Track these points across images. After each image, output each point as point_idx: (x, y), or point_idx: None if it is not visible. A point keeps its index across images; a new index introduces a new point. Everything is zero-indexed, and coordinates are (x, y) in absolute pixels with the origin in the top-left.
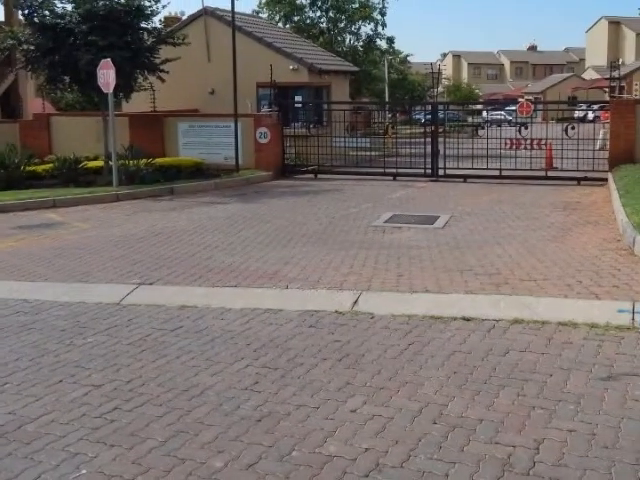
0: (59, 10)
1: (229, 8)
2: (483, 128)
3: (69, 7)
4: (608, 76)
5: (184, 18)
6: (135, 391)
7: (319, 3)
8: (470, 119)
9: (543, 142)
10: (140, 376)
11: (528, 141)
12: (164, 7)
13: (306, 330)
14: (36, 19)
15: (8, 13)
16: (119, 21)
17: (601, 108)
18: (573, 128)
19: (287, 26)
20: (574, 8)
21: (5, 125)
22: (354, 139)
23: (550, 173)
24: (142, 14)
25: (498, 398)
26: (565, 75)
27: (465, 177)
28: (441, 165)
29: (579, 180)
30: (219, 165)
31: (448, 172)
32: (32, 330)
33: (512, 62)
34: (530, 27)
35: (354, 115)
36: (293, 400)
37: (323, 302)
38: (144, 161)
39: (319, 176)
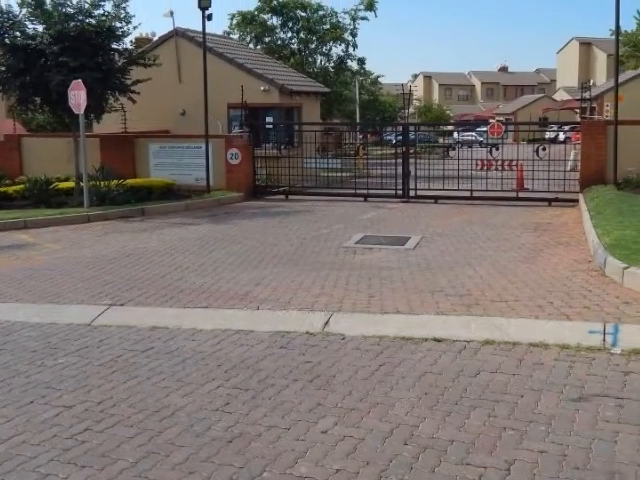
0: (30, 31)
1: (200, 29)
2: (454, 149)
3: (40, 28)
4: (579, 97)
5: (155, 39)
6: (106, 412)
7: (290, 24)
8: (441, 140)
9: (514, 163)
10: (111, 397)
11: (499, 162)
12: (135, 28)
13: (277, 351)
14: (7, 40)
15: None
16: (90, 42)
17: (572, 129)
18: (544, 149)
19: (258, 47)
20: (545, 29)
21: None
22: (325, 160)
23: (521, 194)
24: (113, 35)
25: (469, 419)
26: (536, 96)
27: (436, 198)
28: (412, 186)
29: (550, 201)
30: (190, 186)
31: (419, 193)
32: (3, 351)
33: (483, 83)
34: (501, 48)
35: (325, 136)
36: (264, 421)
37: (294, 323)
38: (115, 182)
39: (290, 197)
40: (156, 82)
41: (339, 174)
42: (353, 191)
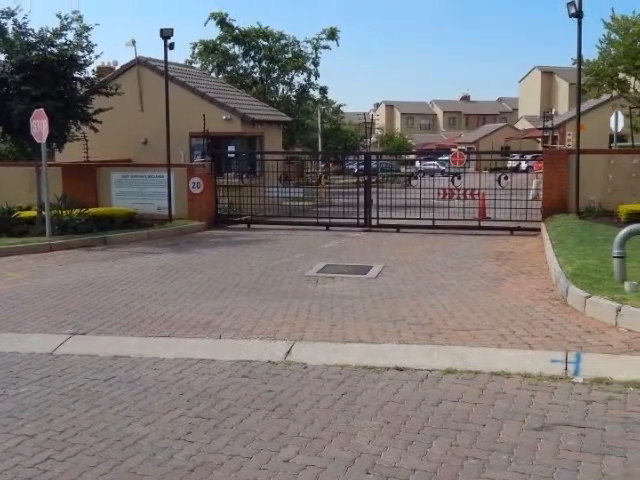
0: None
1: (162, 58)
2: (416, 178)
3: (2, 57)
4: (541, 126)
5: (117, 68)
6: (68, 441)
7: (252, 53)
8: (403, 169)
9: (476, 192)
10: (73, 426)
11: (461, 191)
12: (97, 57)
13: (239, 380)
14: None
15: None
16: (52, 71)
17: (534, 158)
18: (506, 178)
19: (220, 76)
20: (507, 58)
21: None
22: (287, 189)
23: (483, 223)
24: (75, 64)
25: (431, 448)
26: (498, 125)
27: (398, 227)
28: (374, 215)
29: (512, 230)
30: (152, 215)
31: (381, 222)
32: None
33: (445, 112)
34: (463, 77)
35: (287, 165)
36: (226, 450)
37: (256, 352)
38: (77, 211)
39: (252, 226)
40: (118, 111)
41: (301, 203)
42: (315, 220)
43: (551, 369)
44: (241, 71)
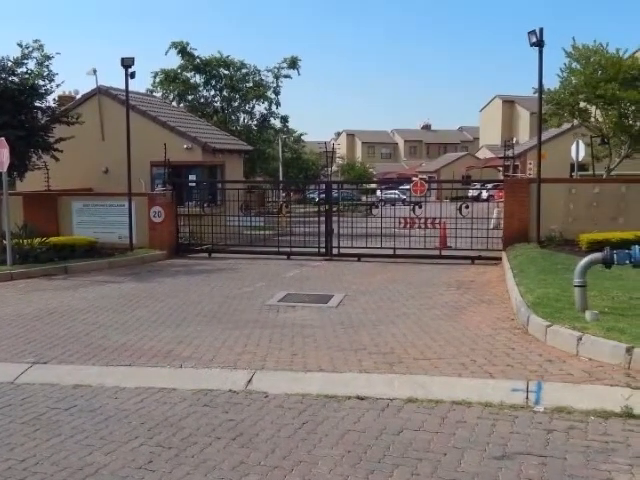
0: None
1: (123, 87)
2: (377, 207)
3: None
4: (502, 155)
5: (78, 97)
6: (29, 470)
7: (213, 82)
8: (364, 198)
9: (437, 221)
10: (34, 455)
11: (422, 220)
12: (58, 86)
13: (200, 409)
14: None
15: None
16: (13, 100)
17: (495, 187)
18: (467, 207)
19: (181, 105)
20: (468, 87)
21: None
22: (248, 218)
23: (444, 252)
24: (36, 93)
25: (392, 477)
26: (459, 154)
27: (359, 256)
28: (335, 244)
29: (473, 259)
30: (114, 244)
31: (342, 251)
32: None
33: (406, 141)
34: (424, 106)
35: (248, 194)
36: (187, 479)
37: (217, 381)
38: (38, 240)
39: (213, 255)
40: (79, 140)
41: (262, 232)
42: (276, 249)
43: (512, 398)
44: (202, 100)
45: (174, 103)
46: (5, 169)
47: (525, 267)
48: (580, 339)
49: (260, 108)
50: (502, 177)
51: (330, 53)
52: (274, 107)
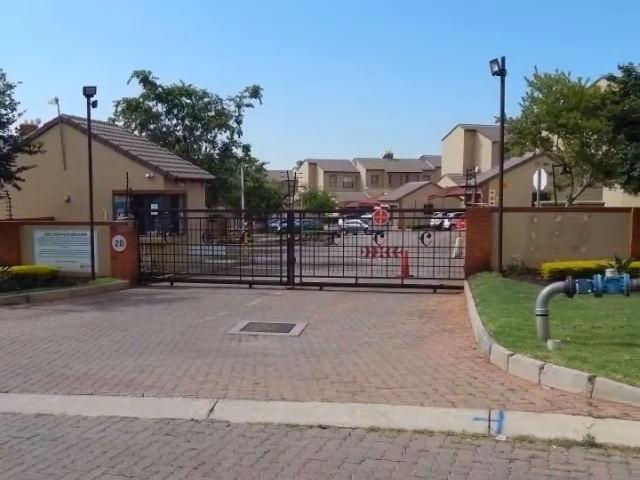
0: None
1: (85, 116)
2: (339, 236)
3: None
4: (464, 184)
5: (40, 126)
6: None
7: (175, 111)
8: (326, 227)
9: (399, 250)
10: None
11: (384, 249)
12: (20, 115)
13: (162, 438)
14: None
15: None
16: None
17: (457, 216)
18: (429, 236)
19: (143, 134)
20: (430, 116)
21: None
22: (210, 247)
23: (406, 281)
24: None
25: None
26: (421, 183)
27: (321, 285)
28: (297, 273)
29: (435, 288)
30: (76, 273)
31: (304, 280)
32: None
33: (368, 170)
34: (386, 135)
35: (210, 223)
36: None
37: (179, 410)
38: (0, 269)
39: (175, 284)
40: (41, 169)
41: (224, 261)
42: (238, 278)
43: (474, 427)
44: (164, 129)
45: (136, 132)
46: None
47: (487, 296)
48: (542, 368)
49: (222, 137)
50: (464, 206)
51: (292, 82)
52: (236, 136)
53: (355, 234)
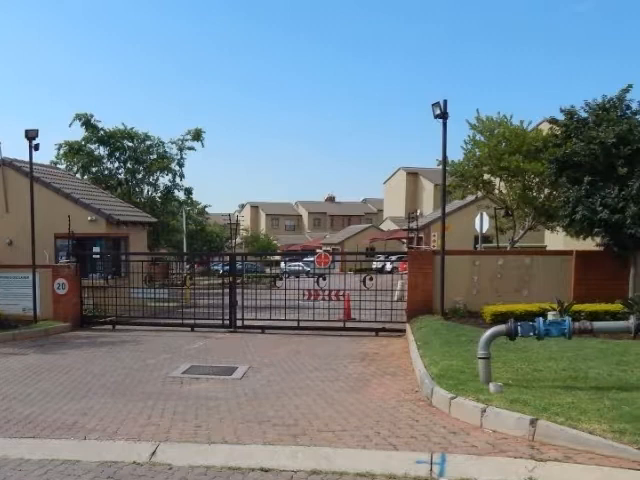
0: None
1: (27, 159)
2: (281, 279)
3: None
4: (406, 227)
5: None
6: None
7: (117, 154)
8: (268, 270)
9: (341, 293)
10: None
11: (326, 292)
12: None
13: None
14: None
15: None
16: None
17: (399, 259)
18: (371, 279)
19: (85, 177)
20: (372, 159)
21: None
22: (152, 290)
23: (348, 324)
24: None
25: None
26: (363, 226)
27: (263, 328)
28: (239, 316)
29: (377, 331)
30: (18, 316)
31: (246, 323)
32: None
33: (310, 213)
34: (328, 178)
35: (152, 266)
36: None
37: (121, 453)
38: None
39: (117, 327)
40: None
41: (166, 304)
42: (180, 321)
43: (416, 470)
44: (106, 172)
45: (78, 175)
46: None
47: (429, 339)
48: (484, 411)
49: (164, 180)
50: (406, 249)
51: (234, 126)
52: (178, 179)
53: (297, 277)
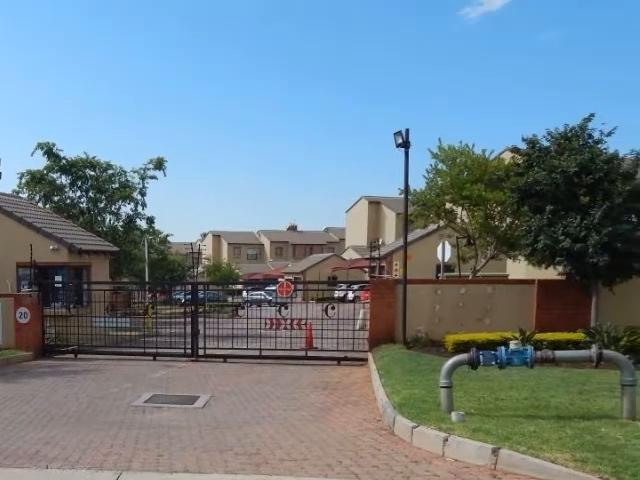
0: None
1: None
2: (243, 308)
3: None
4: (368, 256)
5: None
6: None
7: (79, 183)
8: (230, 299)
9: (303, 322)
10: None
11: (288, 321)
12: None
13: None
14: None
15: None
16: None
17: (361, 288)
18: (333, 308)
19: (47, 206)
20: (334, 188)
21: None
22: (114, 319)
23: (310, 353)
24: None
25: None
26: (325, 255)
27: (225, 357)
28: (201, 345)
29: (339, 360)
30: None
31: (208, 352)
32: None
33: (272, 242)
34: (290, 207)
35: (114, 295)
36: None
37: None
38: None
39: (80, 356)
40: None
41: (128, 333)
42: (142, 350)
43: None
44: (68, 201)
45: (40, 204)
46: None
47: (391, 368)
48: (446, 440)
49: (126, 209)
50: (368, 278)
51: (196, 155)
52: (140, 208)
53: (259, 306)
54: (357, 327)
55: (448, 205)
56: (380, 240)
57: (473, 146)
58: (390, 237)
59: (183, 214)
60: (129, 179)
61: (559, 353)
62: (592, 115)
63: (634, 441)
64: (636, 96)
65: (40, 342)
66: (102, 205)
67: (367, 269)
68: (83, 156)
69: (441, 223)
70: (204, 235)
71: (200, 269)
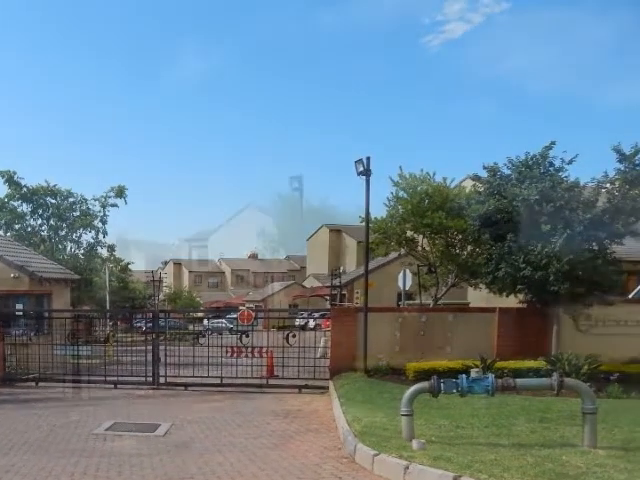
0: None
1: None
2: (204, 336)
3: None
4: (329, 284)
5: None
6: None
7: (40, 211)
8: (191, 327)
9: (264, 350)
10: None
11: (249, 349)
12: None
13: None
14: None
15: None
16: None
17: (322, 316)
18: (294, 336)
19: (8, 234)
20: None
21: None
22: (75, 347)
23: (271, 381)
24: None
25: None
26: (286, 283)
27: (186, 385)
28: (162, 373)
29: (300, 388)
30: None
31: (169, 380)
32: None
33: (233, 270)
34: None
35: (75, 323)
36: None
37: None
38: None
39: (41, 384)
40: None
41: (89, 361)
42: (103, 378)
43: None
44: (29, 229)
45: (1, 232)
46: None
47: (352, 396)
48: (407, 468)
49: (87, 237)
50: (329, 306)
51: (157, 183)
52: (101, 236)
53: (220, 334)
54: (318, 355)
55: (409, 233)
56: (341, 268)
57: (434, 174)
58: (351, 265)
59: (144, 242)
60: (90, 207)
61: (520, 381)
62: (553, 143)
63: (595, 469)
64: (598, 122)
65: (1, 370)
66: (63, 233)
67: (328, 297)
68: (44, 184)
69: (402, 251)
70: (165, 263)
71: (161, 297)
